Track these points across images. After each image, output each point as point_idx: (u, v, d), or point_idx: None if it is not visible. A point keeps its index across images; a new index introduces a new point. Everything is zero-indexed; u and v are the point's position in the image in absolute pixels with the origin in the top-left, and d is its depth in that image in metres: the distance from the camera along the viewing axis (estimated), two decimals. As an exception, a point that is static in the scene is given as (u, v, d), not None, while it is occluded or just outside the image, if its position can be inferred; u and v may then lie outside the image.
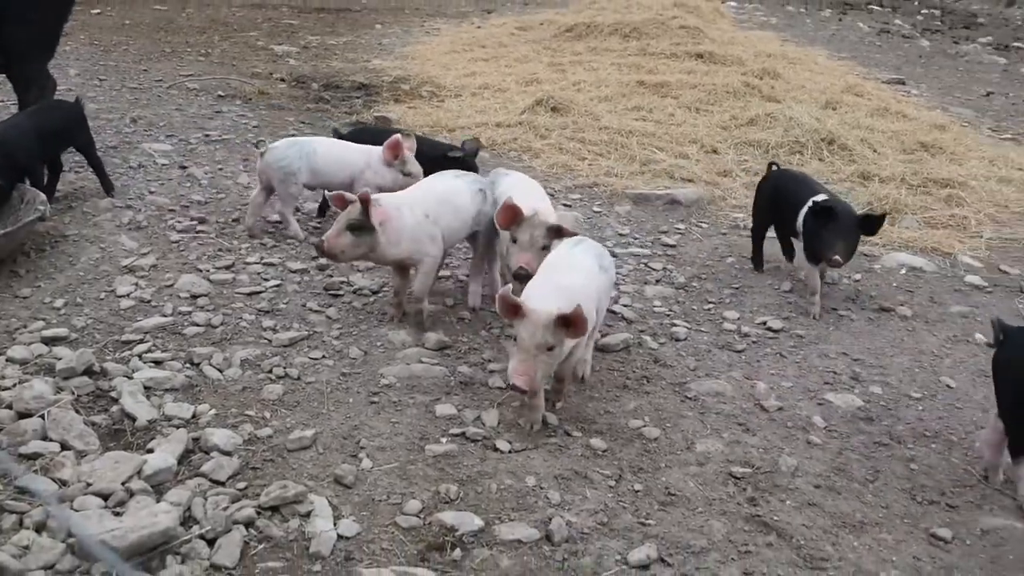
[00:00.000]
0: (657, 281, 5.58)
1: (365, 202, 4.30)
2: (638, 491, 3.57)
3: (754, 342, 4.92)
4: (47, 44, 6.30)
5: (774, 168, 5.93)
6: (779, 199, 5.58)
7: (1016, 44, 16.50)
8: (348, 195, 4.46)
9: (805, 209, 5.19)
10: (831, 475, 3.80)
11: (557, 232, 4.38)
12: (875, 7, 19.73)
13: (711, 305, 5.33)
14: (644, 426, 4.04)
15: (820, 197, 5.21)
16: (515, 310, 3.63)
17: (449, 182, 4.84)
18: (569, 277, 3.91)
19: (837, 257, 4.92)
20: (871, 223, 5.07)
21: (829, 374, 4.64)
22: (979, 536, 3.49)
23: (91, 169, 6.17)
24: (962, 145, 8.89)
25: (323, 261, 5.35)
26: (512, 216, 4.37)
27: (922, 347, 5.02)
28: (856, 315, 5.35)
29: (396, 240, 4.45)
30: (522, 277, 4.22)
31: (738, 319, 5.15)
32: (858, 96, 10.40)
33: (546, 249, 4.33)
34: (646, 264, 5.83)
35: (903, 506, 3.64)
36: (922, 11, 19.68)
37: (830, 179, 7.62)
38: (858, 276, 5.89)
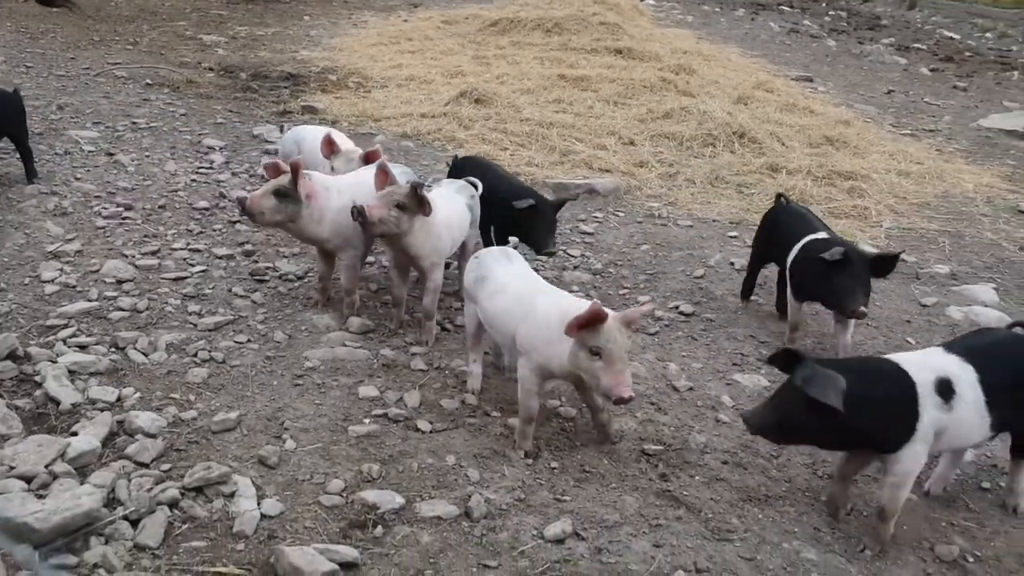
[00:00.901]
0: (575, 267, 5.74)
1: (295, 170, 4.36)
2: (554, 468, 3.71)
3: (667, 325, 5.10)
4: None
5: (782, 201, 5.36)
6: (776, 233, 5.14)
7: (916, 45, 17.07)
8: (283, 165, 4.53)
9: (799, 247, 4.79)
10: (738, 451, 3.98)
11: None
12: (786, 8, 20.18)
13: (626, 290, 5.51)
14: (561, 406, 4.19)
15: (819, 236, 4.78)
16: (599, 318, 3.39)
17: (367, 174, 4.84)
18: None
19: (862, 309, 4.41)
20: (884, 264, 4.55)
21: (737, 356, 4.84)
22: (874, 507, 3.68)
23: (19, 156, 6.13)
24: (865, 140, 9.26)
25: (249, 247, 5.40)
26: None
27: (824, 329, 5.24)
28: (763, 300, 5.56)
29: (319, 218, 4.49)
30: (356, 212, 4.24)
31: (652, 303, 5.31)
32: (768, 92, 10.73)
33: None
34: (564, 251, 5.98)
35: (805, 480, 3.83)
36: (830, 12, 20.21)
37: (740, 171, 7.89)
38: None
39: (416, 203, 4.26)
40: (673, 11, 18.05)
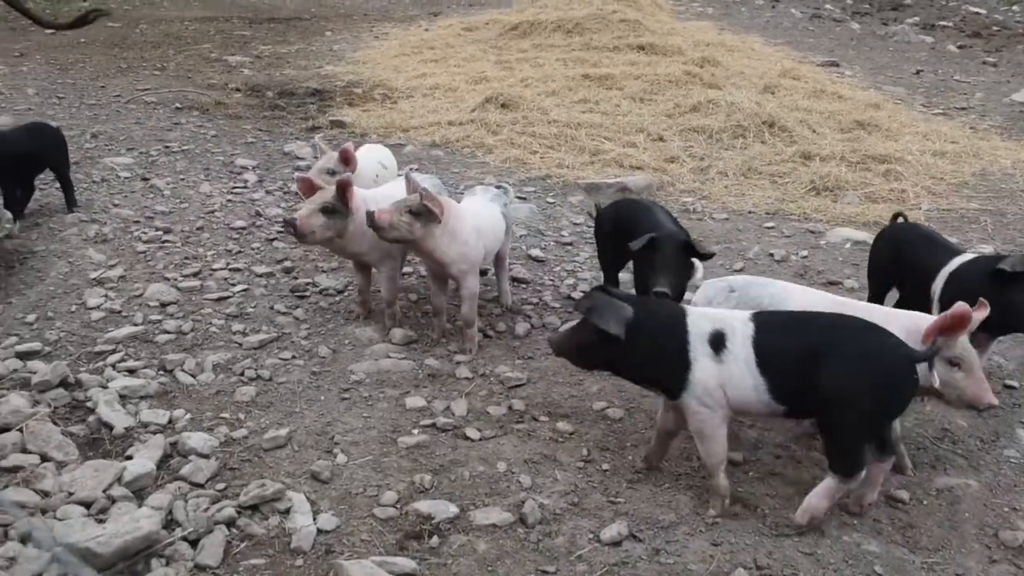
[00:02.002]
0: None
1: (346, 186, 4.38)
2: (606, 471, 3.70)
3: (710, 322, 5.06)
4: None
5: (900, 221, 4.89)
6: (905, 259, 4.54)
7: (941, 23, 16.86)
8: (317, 180, 4.56)
9: (950, 270, 4.23)
10: (791, 445, 3.95)
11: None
12: (806, -7, 20.06)
13: (666, 288, 5.47)
14: (608, 407, 4.18)
15: (967, 256, 4.30)
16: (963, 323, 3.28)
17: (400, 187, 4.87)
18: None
19: None
20: None
21: (783, 349, 4.78)
22: (935, 496, 3.65)
23: (59, 186, 6.23)
24: (896, 122, 9.17)
25: (288, 264, 5.44)
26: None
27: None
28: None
29: (362, 231, 4.50)
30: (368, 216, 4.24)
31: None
32: (795, 79, 10.65)
33: None
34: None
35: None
36: (851, -5, 20.06)
37: (772, 160, 7.85)
38: (805, 252, 6.08)
39: (426, 210, 4.25)
40: (693, 4, 17.96)
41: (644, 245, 4.22)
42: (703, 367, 3.30)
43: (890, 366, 3.19)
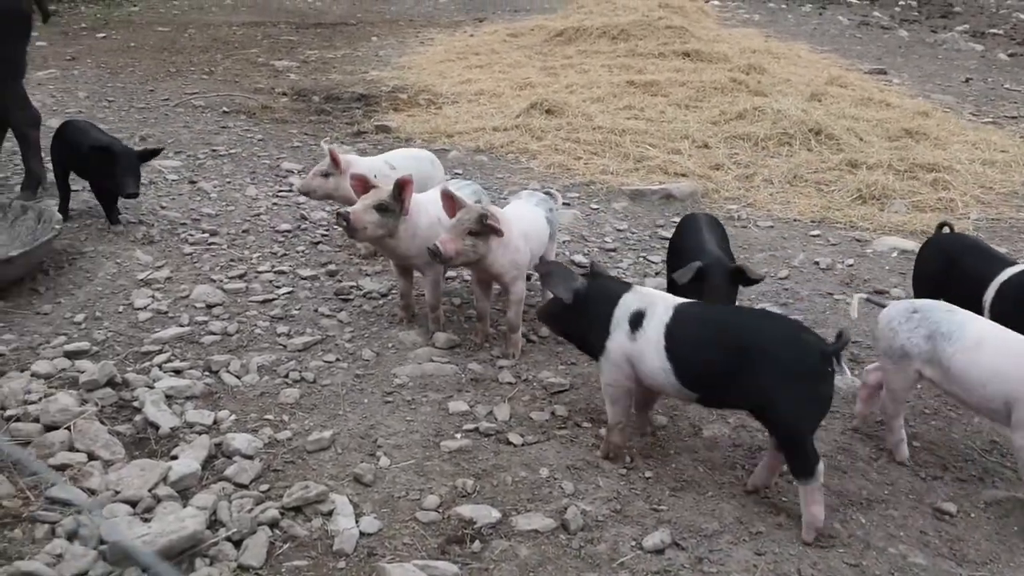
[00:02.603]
0: (656, 274, 5.69)
1: (404, 184, 4.39)
2: (649, 478, 3.68)
3: (754, 330, 5.02)
4: (11, 68, 6.38)
5: (945, 231, 4.73)
6: (954, 269, 4.39)
7: (992, 31, 16.62)
8: (372, 179, 4.58)
9: (999, 282, 4.14)
10: (836, 455, 3.91)
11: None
12: (854, 1, 19.84)
13: (711, 296, 5.44)
14: (652, 414, 4.15)
15: (1020, 268, 4.17)
16: None
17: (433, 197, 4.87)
18: None
19: None
20: None
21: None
22: (983, 508, 3.60)
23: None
24: (945, 130, 9.03)
25: (332, 267, 5.48)
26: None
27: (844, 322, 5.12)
28: (851, 299, 5.44)
29: (412, 234, 4.52)
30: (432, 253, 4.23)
31: (738, 309, 5.26)
32: (842, 87, 10.54)
33: None
34: (645, 258, 5.96)
35: (907, 482, 3.75)
36: (899, 2, 19.79)
37: (819, 168, 7.78)
38: (851, 261, 6.02)
39: (487, 228, 4.24)
40: (739, 11, 17.87)
41: (692, 277, 4.08)
42: (616, 340, 3.61)
43: (811, 366, 3.28)
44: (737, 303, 4.34)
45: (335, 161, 5.43)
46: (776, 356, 3.29)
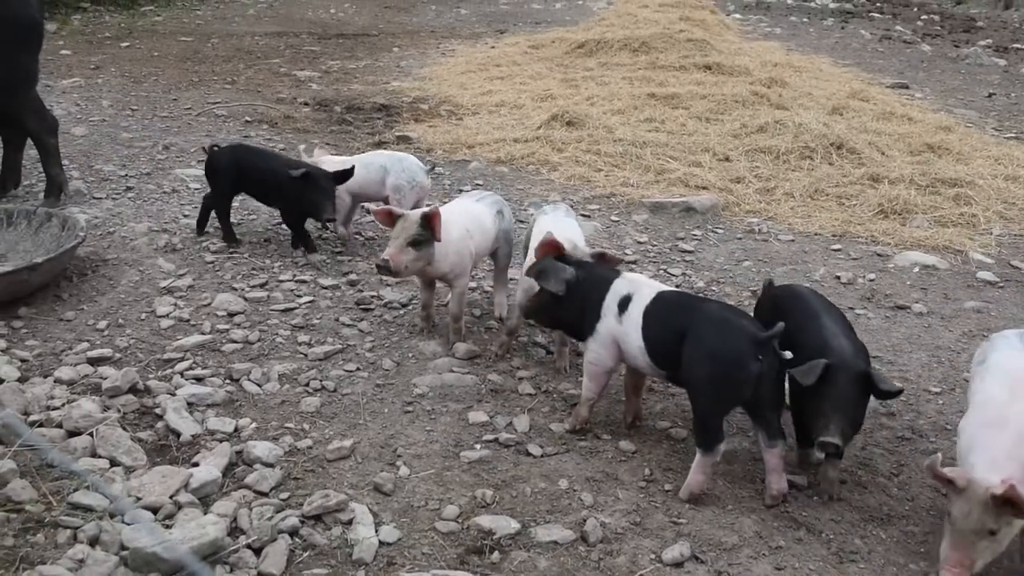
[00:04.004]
0: (677, 286, 5.68)
1: (433, 217, 4.40)
2: (668, 491, 3.67)
3: (775, 344, 5.00)
4: (26, 76, 6.43)
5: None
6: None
7: (1015, 46, 16.56)
8: (396, 210, 4.58)
9: None
10: (856, 470, 3.89)
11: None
12: (876, 15, 19.80)
13: (731, 310, 5.42)
14: (671, 427, 4.15)
15: None
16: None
17: (473, 205, 4.96)
18: None
19: None
20: None
21: (850, 372, 4.71)
22: (1008, 527, 3.57)
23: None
24: (967, 145, 8.99)
25: (353, 277, 5.50)
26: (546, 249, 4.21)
27: (939, 343, 5.10)
28: (872, 313, 5.44)
29: (444, 253, 4.55)
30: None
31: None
32: (864, 101, 10.52)
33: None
34: (665, 271, 5.95)
35: (928, 498, 3.73)
36: (922, 17, 19.77)
37: (840, 182, 7.76)
38: (872, 276, 6.00)
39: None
40: (760, 24, 17.87)
41: (818, 377, 3.44)
42: (607, 322, 3.86)
43: (730, 350, 3.48)
44: None
45: None
46: (701, 335, 3.56)
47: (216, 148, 6.01)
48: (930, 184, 7.66)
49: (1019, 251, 6.49)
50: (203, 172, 6.28)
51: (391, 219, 4.51)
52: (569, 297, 3.93)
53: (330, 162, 6.07)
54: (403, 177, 6.01)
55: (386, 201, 5.92)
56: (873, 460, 3.97)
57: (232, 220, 6.08)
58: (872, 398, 3.56)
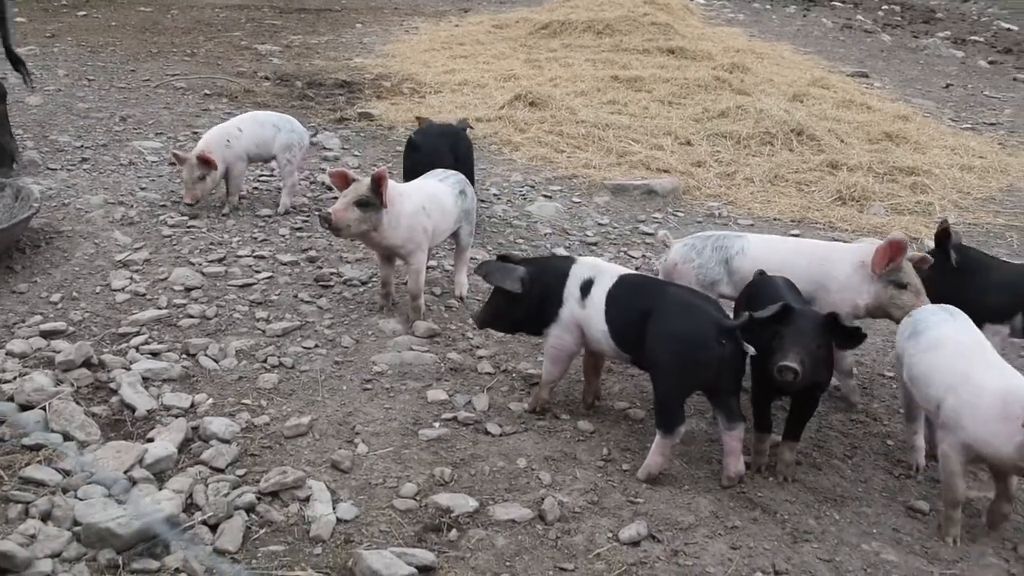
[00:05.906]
0: (637, 268, 5.69)
1: (380, 179, 4.38)
2: (626, 471, 3.69)
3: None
4: None
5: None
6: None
7: (973, 38, 16.73)
8: (350, 173, 4.57)
9: None
10: (811, 452, 3.94)
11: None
12: (837, 3, 19.89)
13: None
14: (630, 407, 4.18)
15: None
16: None
17: (435, 185, 4.92)
18: None
19: None
20: None
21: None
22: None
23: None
24: (925, 135, 9.10)
25: (312, 253, 5.46)
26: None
27: (893, 328, 5.12)
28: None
29: (396, 224, 4.52)
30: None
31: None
32: (824, 89, 10.59)
33: None
34: (626, 252, 5.97)
35: (881, 480, 3.79)
36: (883, 7, 19.87)
37: (799, 168, 7.82)
38: (831, 262, 6.03)
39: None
40: (724, 9, 17.89)
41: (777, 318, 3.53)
42: (569, 306, 3.87)
43: (694, 333, 3.52)
44: None
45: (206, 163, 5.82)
46: (665, 317, 3.60)
47: None
48: (887, 172, 7.75)
49: (973, 240, 6.56)
50: (161, 144, 6.21)
51: (345, 182, 4.52)
52: (526, 294, 3.91)
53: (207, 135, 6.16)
54: (293, 137, 6.18)
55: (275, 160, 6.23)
56: (828, 442, 4.02)
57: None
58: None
